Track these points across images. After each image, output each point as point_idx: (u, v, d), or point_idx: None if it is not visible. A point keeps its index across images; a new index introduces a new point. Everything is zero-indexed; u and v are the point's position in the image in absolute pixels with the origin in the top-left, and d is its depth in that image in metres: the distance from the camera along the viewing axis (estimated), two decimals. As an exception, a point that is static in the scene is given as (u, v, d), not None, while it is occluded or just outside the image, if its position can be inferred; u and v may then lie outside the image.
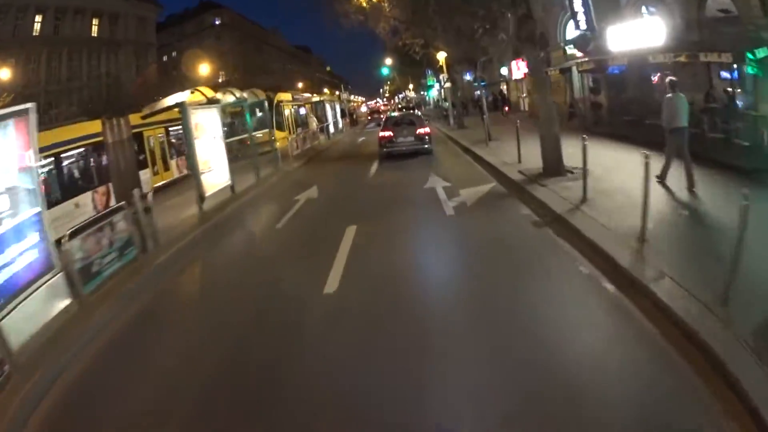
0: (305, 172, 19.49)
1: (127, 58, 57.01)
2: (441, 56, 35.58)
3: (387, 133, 16.76)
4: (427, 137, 16.54)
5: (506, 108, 38.47)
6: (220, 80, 76.79)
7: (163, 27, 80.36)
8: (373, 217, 10.30)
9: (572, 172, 11.11)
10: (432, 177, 13.63)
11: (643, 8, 17.68)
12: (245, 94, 19.21)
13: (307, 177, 17.30)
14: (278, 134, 25.29)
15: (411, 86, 62.68)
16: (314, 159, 24.38)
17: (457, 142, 23.07)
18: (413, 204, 11.02)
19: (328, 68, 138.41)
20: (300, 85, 78.46)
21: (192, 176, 12.64)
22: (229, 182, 14.16)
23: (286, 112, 31.19)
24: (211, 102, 16.10)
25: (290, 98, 34.12)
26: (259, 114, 25.34)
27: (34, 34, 44.44)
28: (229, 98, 17.85)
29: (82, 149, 14.59)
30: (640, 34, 15.87)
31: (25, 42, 42.97)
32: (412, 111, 31.89)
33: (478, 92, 44.10)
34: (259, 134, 21.03)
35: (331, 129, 41.87)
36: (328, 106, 43.67)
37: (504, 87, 44.11)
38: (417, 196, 11.67)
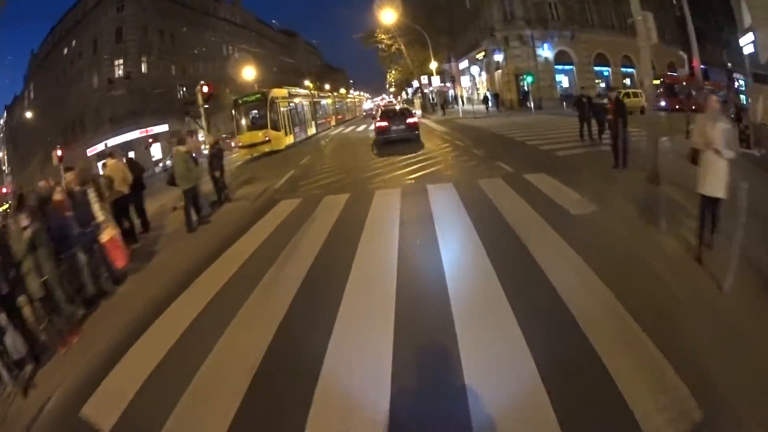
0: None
1: None
2: None
3: (383, 124, 19.48)
4: (415, 126, 19.16)
5: None
6: (119, 73, 48.74)
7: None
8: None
9: None
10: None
11: None
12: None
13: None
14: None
15: (435, 66, 32.05)
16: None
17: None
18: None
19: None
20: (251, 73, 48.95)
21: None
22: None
23: None
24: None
25: None
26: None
27: None
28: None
29: None
30: None
31: None
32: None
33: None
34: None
35: None
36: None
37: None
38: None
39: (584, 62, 31.54)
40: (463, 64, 47.70)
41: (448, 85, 43.70)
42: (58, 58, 51.63)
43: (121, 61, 47.80)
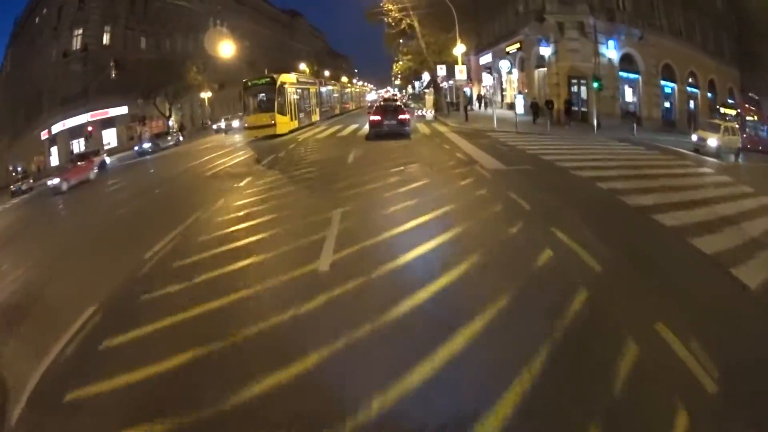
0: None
1: None
2: None
3: (376, 118, 20.15)
4: (406, 122, 19.93)
5: None
6: (77, 45, 41.03)
7: None
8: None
9: None
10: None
11: None
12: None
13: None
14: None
15: (461, 50, 24.17)
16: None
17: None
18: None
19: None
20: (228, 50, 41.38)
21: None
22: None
23: None
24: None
25: None
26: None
27: None
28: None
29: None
30: None
31: None
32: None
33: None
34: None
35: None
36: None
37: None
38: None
39: (651, 72, 23.96)
40: (485, 59, 40.15)
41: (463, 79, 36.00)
42: (31, 27, 44.48)
43: (80, 31, 40.07)
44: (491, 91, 38.36)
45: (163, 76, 36.68)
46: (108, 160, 24.76)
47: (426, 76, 51.11)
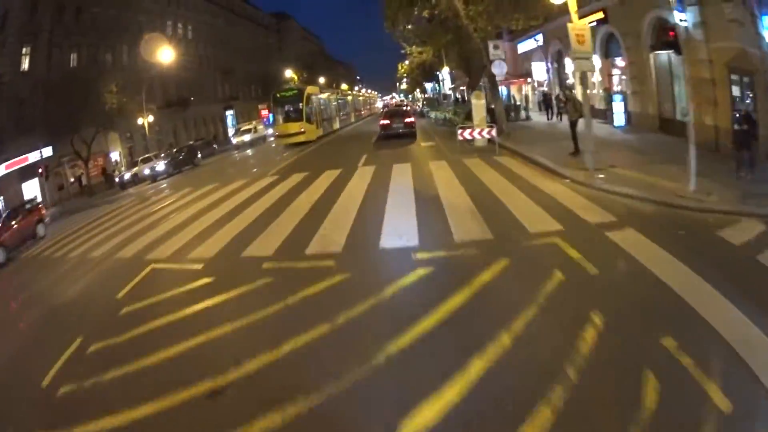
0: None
1: None
2: None
3: (386, 121, 23.49)
4: (412, 125, 22.89)
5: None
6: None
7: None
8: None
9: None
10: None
11: None
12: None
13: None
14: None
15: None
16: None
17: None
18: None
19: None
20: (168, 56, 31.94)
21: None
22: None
23: None
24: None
25: None
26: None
27: None
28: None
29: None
30: None
31: None
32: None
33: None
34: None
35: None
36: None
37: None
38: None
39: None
40: (528, 45, 29.96)
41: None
42: None
43: (-5, 57, 30.63)
44: (548, 87, 28.11)
45: (78, 102, 27.04)
46: None
47: (443, 76, 41.01)
